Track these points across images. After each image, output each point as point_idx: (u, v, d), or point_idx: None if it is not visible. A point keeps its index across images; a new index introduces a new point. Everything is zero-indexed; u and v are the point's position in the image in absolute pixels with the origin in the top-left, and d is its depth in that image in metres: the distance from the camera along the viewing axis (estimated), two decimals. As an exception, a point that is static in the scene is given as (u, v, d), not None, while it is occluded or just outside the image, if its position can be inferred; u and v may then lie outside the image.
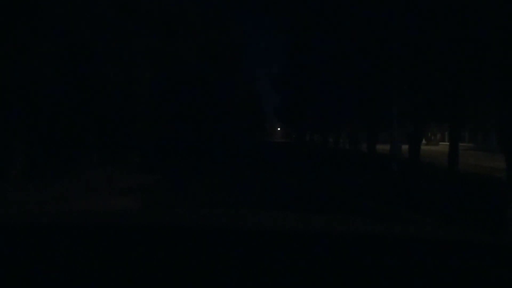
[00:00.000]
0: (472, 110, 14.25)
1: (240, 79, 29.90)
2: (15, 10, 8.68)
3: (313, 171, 14.37)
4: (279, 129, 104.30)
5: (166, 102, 15.48)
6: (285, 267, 1.02)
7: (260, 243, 1.13)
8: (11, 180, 9.54)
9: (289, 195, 8.66)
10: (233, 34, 22.97)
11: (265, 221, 1.51)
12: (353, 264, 1.05)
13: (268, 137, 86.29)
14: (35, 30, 9.23)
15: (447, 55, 11.06)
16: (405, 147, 16.77)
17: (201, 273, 0.99)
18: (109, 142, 13.21)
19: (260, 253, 1.08)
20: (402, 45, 12.49)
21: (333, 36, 15.92)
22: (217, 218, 1.57)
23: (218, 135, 27.59)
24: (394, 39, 12.55)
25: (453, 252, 1.11)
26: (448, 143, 15.17)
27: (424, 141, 20.69)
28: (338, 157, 22.42)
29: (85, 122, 11.90)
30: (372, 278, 0.98)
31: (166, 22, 13.45)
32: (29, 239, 1.19)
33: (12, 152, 9.66)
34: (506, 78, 9.27)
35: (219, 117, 24.55)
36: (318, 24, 16.61)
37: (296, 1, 18.61)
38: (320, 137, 40.08)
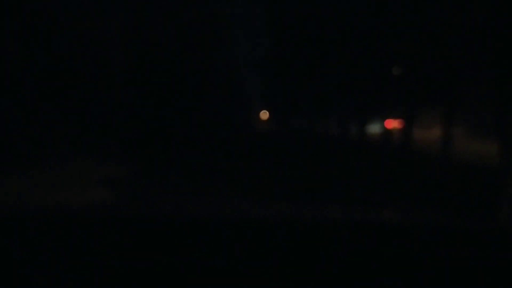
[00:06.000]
0: (465, 94, 14.08)
1: (223, 64, 29.60)
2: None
3: (302, 159, 14.13)
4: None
5: (142, 89, 15.09)
6: (279, 257, 1.03)
7: (250, 232, 1.13)
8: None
9: (278, 184, 8.41)
10: (216, 17, 22.50)
11: (256, 211, 1.50)
12: (346, 252, 1.06)
13: (253, 124, 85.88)
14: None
15: (440, 35, 10.85)
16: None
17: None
18: (82, 131, 12.87)
19: (251, 243, 1.09)
20: (395, 25, 12.20)
21: (320, 15, 15.56)
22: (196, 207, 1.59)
23: (197, 122, 27.30)
24: (385, 18, 12.24)
25: (448, 238, 1.12)
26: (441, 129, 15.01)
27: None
28: (328, 144, 22.22)
29: (56, 110, 11.53)
30: (367, 266, 1.01)
31: (141, 2, 12.95)
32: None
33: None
34: (503, 62, 8.98)
35: (199, 104, 24.27)
36: (304, 4, 16.29)
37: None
38: (307, 122, 39.44)
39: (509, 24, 6.24)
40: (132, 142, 15.47)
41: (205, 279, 0.94)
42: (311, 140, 25.68)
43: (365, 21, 13.02)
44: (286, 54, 25.58)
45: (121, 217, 1.29)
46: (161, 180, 9.04)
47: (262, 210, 1.54)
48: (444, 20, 10.31)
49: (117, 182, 8.75)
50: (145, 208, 1.55)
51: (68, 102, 11.80)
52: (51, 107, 11.44)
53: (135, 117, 16.11)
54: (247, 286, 0.94)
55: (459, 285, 0.96)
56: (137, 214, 1.36)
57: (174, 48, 15.64)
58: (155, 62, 15.29)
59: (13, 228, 1.16)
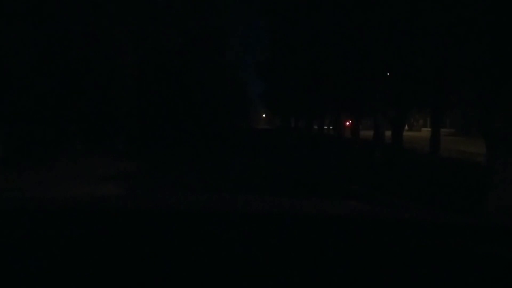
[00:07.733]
0: (453, 96, 14.45)
1: (224, 66, 29.71)
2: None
3: (298, 157, 14.44)
4: (264, 115, 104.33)
5: (150, 89, 15.30)
6: (278, 250, 1.02)
7: (249, 227, 1.12)
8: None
9: (275, 181, 8.67)
10: (217, 19, 22.70)
11: (250, 206, 1.48)
12: (337, 246, 1.06)
13: (253, 124, 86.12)
14: (13, 16, 8.98)
15: (428, 40, 11.13)
16: (388, 133, 16.91)
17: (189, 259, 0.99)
18: (92, 129, 13.01)
19: (250, 237, 1.08)
20: (385, 32, 12.50)
21: (317, 22, 15.85)
22: (201, 203, 1.55)
23: (201, 121, 27.51)
24: (376, 25, 12.52)
25: (436, 233, 1.11)
26: (430, 129, 15.37)
27: (406, 127, 20.94)
28: (323, 143, 22.55)
29: (67, 108, 11.69)
30: (356, 260, 1.00)
31: (149, 8, 13.20)
32: (8, 225, 1.14)
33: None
34: (487, 65, 9.32)
35: (203, 103, 24.42)
36: (301, 9, 16.53)
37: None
38: (304, 123, 40.15)
39: (495, 32, 6.64)
40: (141, 140, 15.66)
41: (206, 273, 0.93)
42: (308, 138, 25.98)
43: (357, 28, 13.29)
44: (284, 58, 25.90)
45: (126, 210, 1.29)
46: (168, 176, 9.25)
47: (262, 205, 1.54)
48: (433, 24, 10.52)
49: (127, 177, 8.90)
50: (149, 202, 1.55)
51: (81, 102, 11.93)
52: (66, 107, 11.58)
53: (145, 116, 16.28)
54: (247, 279, 0.93)
55: (447, 278, 0.94)
56: (141, 207, 1.36)
57: (181, 51, 15.83)
58: (163, 65, 15.45)
59: (27, 220, 1.15)
